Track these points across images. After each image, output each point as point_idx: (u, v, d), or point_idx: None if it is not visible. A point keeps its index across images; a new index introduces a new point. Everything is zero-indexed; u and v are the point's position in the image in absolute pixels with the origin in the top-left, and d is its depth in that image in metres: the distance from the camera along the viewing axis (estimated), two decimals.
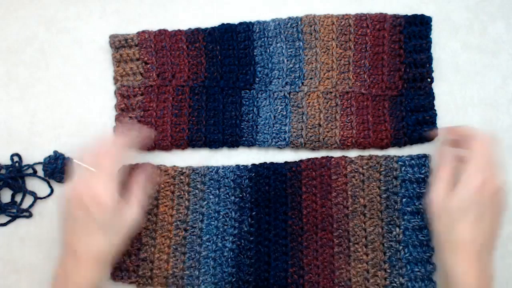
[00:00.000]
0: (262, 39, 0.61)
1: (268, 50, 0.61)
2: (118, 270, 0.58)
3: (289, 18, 0.61)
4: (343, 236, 0.57)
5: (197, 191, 0.59)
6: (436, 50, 0.61)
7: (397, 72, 0.59)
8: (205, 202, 0.59)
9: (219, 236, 0.58)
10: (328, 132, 0.59)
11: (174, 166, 0.59)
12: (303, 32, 0.60)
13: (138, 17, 0.63)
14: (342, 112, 0.59)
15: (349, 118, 0.59)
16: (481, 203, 0.46)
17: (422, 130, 0.58)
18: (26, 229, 0.60)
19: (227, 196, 0.59)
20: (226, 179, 0.59)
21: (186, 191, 0.59)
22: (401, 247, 0.56)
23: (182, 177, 0.59)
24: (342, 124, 0.59)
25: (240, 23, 0.61)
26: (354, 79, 0.60)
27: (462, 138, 0.52)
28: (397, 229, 0.56)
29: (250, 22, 0.61)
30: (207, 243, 0.58)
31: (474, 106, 0.61)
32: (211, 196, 0.59)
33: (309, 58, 0.60)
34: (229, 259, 0.57)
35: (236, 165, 0.59)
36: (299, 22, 0.60)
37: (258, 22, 0.61)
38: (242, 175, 0.59)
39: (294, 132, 0.59)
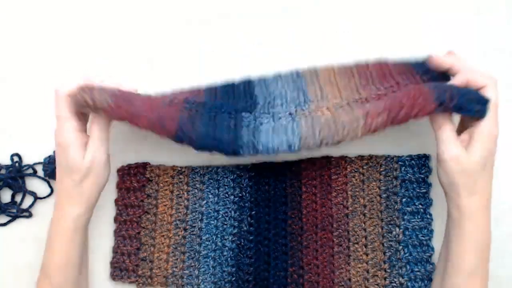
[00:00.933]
0: (261, 82, 0.56)
1: (268, 89, 0.56)
2: (118, 270, 0.58)
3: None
4: (343, 236, 0.57)
5: (196, 190, 0.59)
6: None
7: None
8: (205, 202, 0.59)
9: (219, 236, 0.58)
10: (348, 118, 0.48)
11: (174, 165, 0.60)
12: (303, 75, 0.56)
13: None
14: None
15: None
16: (493, 156, 0.50)
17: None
18: (26, 229, 0.61)
19: (227, 195, 0.59)
20: (226, 178, 0.59)
21: (185, 191, 0.59)
22: (401, 247, 0.56)
23: (181, 176, 0.59)
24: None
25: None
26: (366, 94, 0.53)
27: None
28: (397, 229, 0.56)
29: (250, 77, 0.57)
30: (207, 243, 0.58)
31: None
32: (210, 196, 0.59)
33: (312, 88, 0.55)
34: (229, 259, 0.57)
35: (236, 165, 0.59)
36: (299, 71, 0.57)
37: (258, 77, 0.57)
38: (241, 175, 0.59)
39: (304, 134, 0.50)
